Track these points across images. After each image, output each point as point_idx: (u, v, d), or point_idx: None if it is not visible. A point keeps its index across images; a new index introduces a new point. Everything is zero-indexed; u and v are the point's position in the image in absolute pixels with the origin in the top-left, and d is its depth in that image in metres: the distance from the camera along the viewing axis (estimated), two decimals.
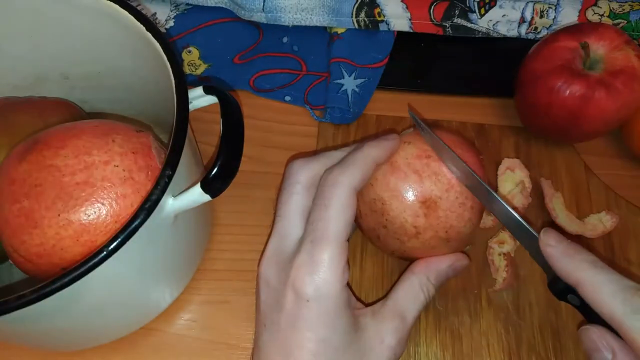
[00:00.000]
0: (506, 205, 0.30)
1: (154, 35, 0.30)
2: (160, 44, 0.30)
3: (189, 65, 0.47)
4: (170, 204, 0.27)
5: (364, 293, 0.37)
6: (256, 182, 0.42)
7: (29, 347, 0.34)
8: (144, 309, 0.34)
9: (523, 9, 0.46)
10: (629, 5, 0.46)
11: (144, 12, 0.33)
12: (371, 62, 0.46)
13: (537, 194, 0.41)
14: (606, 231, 0.39)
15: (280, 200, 0.31)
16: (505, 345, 0.36)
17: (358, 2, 0.46)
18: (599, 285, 0.26)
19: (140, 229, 0.25)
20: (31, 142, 0.29)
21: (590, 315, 0.27)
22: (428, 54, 0.48)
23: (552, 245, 0.28)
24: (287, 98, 0.45)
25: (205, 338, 0.36)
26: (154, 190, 0.26)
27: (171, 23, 0.48)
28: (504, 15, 0.46)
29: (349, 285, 0.30)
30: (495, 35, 0.47)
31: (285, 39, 0.48)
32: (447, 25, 0.46)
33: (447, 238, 0.32)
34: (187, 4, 0.49)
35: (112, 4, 0.30)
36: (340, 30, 0.47)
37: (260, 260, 0.31)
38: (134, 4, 0.39)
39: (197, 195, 0.27)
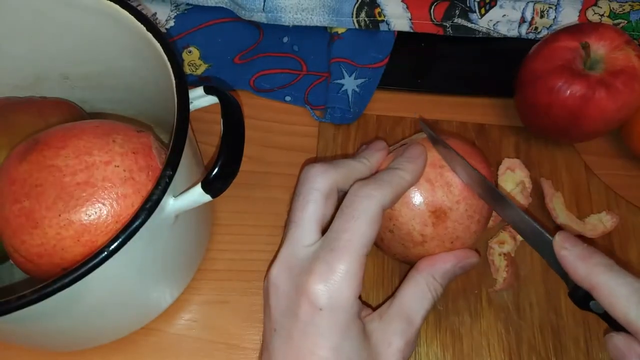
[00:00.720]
0: (521, 212, 0.29)
1: (154, 36, 0.30)
2: (161, 44, 0.30)
3: (189, 66, 0.47)
4: (171, 204, 0.27)
5: (364, 293, 0.37)
6: (256, 182, 0.42)
7: (29, 347, 0.34)
8: (144, 309, 0.34)
9: (523, 9, 0.46)
10: (629, 5, 0.46)
11: (144, 12, 0.33)
12: (371, 62, 0.46)
13: (538, 194, 0.41)
14: (606, 231, 0.39)
15: (295, 206, 0.31)
16: (506, 345, 0.36)
17: (358, 2, 0.46)
18: (614, 289, 0.25)
19: (141, 229, 0.25)
20: (32, 142, 0.29)
21: (615, 323, 0.26)
22: (428, 54, 0.48)
23: (566, 249, 0.27)
24: (288, 98, 0.45)
25: (205, 338, 0.36)
26: (155, 191, 0.26)
27: (171, 23, 0.48)
28: (504, 15, 0.46)
29: None
30: (495, 35, 0.47)
31: (285, 39, 0.48)
32: (448, 25, 0.46)
33: (451, 248, 0.32)
34: (188, 4, 0.49)
35: (112, 4, 0.30)
36: (340, 30, 0.47)
37: (271, 265, 0.30)
38: (134, 4, 0.39)
39: (197, 195, 0.27)
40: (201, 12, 0.49)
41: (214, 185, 0.27)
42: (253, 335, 0.36)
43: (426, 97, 0.46)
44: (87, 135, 0.29)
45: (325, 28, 0.48)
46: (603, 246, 0.39)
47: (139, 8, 0.31)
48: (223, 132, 0.28)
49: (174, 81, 0.29)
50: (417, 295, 0.31)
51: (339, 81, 0.45)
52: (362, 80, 0.45)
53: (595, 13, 0.46)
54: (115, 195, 0.28)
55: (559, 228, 0.39)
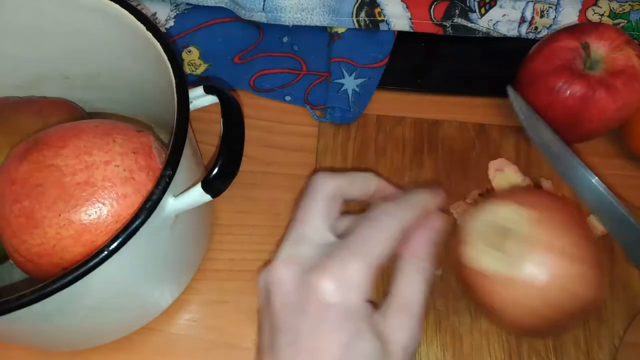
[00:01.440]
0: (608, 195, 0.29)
1: (154, 35, 0.30)
2: (161, 44, 0.30)
3: (189, 65, 0.47)
4: (171, 204, 0.27)
5: None
6: (256, 182, 0.42)
7: (29, 347, 0.34)
8: (144, 308, 0.34)
9: (523, 8, 0.46)
10: (629, 5, 0.46)
11: (144, 11, 0.33)
12: (371, 61, 0.46)
13: None
14: (606, 231, 0.39)
15: (300, 206, 0.30)
16: (506, 345, 0.36)
17: (358, 2, 0.46)
18: None
19: (141, 229, 0.25)
20: (32, 142, 0.29)
21: None
22: (428, 54, 0.48)
23: None
24: (288, 98, 0.45)
25: (205, 338, 0.36)
26: (155, 190, 0.26)
27: (171, 23, 0.48)
28: (504, 15, 0.46)
29: None
30: (495, 35, 0.47)
31: (285, 39, 0.48)
32: (448, 25, 0.46)
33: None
34: (188, 4, 0.49)
35: (112, 3, 0.30)
36: (340, 30, 0.47)
37: (270, 263, 0.30)
38: (134, 3, 0.39)
39: (197, 195, 0.27)
40: (201, 12, 0.49)
41: (214, 185, 0.27)
42: (253, 335, 0.36)
43: (426, 97, 0.46)
44: (87, 135, 0.29)
45: (325, 28, 0.48)
46: (603, 246, 0.39)
47: (139, 8, 0.31)
48: (223, 132, 0.28)
49: (174, 81, 0.29)
50: (408, 281, 0.30)
51: (338, 81, 0.45)
52: (362, 80, 0.45)
53: (595, 13, 0.46)
54: (115, 195, 0.28)
55: None
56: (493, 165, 0.41)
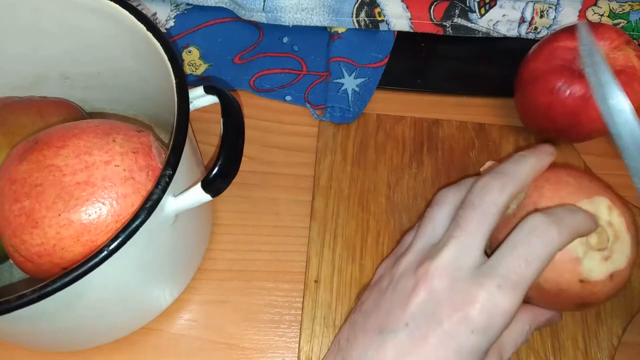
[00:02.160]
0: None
1: (154, 35, 0.30)
2: (161, 44, 0.30)
3: (189, 65, 0.47)
4: (171, 203, 0.27)
5: None
6: (256, 182, 0.42)
7: (29, 347, 0.34)
8: (144, 308, 0.34)
9: (523, 8, 0.46)
10: (629, 5, 0.46)
11: (144, 12, 0.33)
12: (371, 61, 0.46)
13: None
14: None
15: (470, 215, 0.30)
16: None
17: (358, 2, 0.46)
18: None
19: (141, 229, 0.25)
20: (31, 141, 0.29)
21: None
22: (428, 54, 0.48)
23: None
24: (288, 98, 0.45)
25: (205, 338, 0.36)
26: (155, 190, 0.26)
27: (171, 23, 0.48)
28: (504, 15, 0.46)
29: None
30: (495, 35, 0.47)
31: (285, 39, 0.48)
32: (447, 25, 0.46)
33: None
34: (188, 4, 0.49)
35: (112, 3, 0.30)
36: (340, 30, 0.47)
37: (384, 259, 0.31)
38: (134, 3, 0.39)
39: (197, 195, 0.27)
40: (201, 12, 0.49)
41: (214, 185, 0.27)
42: (253, 335, 0.36)
43: (426, 97, 0.46)
44: (87, 135, 0.29)
45: (325, 28, 0.48)
46: None
47: (139, 8, 0.31)
48: (223, 132, 0.28)
49: (174, 81, 0.29)
50: (513, 335, 0.31)
51: (338, 80, 0.45)
52: (362, 79, 0.45)
53: (595, 13, 0.46)
54: (115, 195, 0.28)
55: None
56: (487, 166, 0.41)
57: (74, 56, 0.36)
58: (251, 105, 0.45)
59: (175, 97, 0.28)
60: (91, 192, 0.28)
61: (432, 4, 0.46)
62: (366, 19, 0.46)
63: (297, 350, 0.36)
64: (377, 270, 0.35)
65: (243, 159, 0.29)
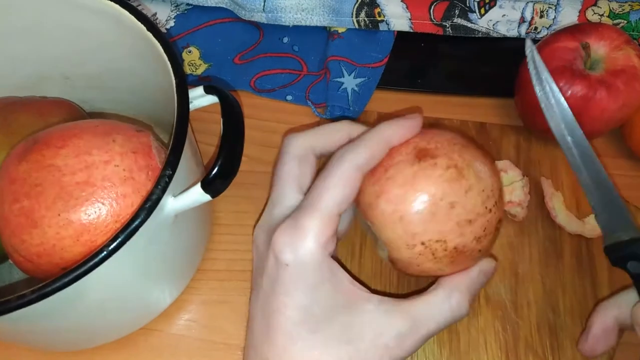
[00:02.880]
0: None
1: (154, 35, 0.30)
2: (161, 44, 0.30)
3: (190, 65, 0.47)
4: (171, 203, 0.27)
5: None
6: (256, 182, 0.41)
7: (29, 347, 0.34)
8: (144, 309, 0.34)
9: (523, 9, 0.46)
10: (629, 5, 0.46)
11: (144, 12, 0.33)
12: (371, 61, 0.46)
13: (537, 193, 0.41)
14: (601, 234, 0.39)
15: (274, 172, 0.32)
16: (503, 343, 0.36)
17: (358, 2, 0.46)
18: None
19: (141, 229, 0.25)
20: (31, 141, 0.29)
21: None
22: (428, 54, 0.48)
23: None
24: (289, 97, 0.45)
25: (205, 338, 0.36)
26: (155, 190, 0.26)
27: (171, 23, 0.48)
28: (504, 15, 0.46)
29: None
30: (495, 35, 0.47)
31: (285, 39, 0.48)
32: (447, 25, 0.46)
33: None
34: (188, 4, 0.49)
35: (112, 4, 0.30)
36: (340, 30, 0.47)
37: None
38: (134, 4, 0.39)
39: (197, 195, 0.27)
40: (201, 12, 0.49)
41: (213, 185, 0.27)
42: None
43: (426, 97, 0.46)
44: (87, 135, 0.29)
45: (325, 28, 0.48)
46: (599, 249, 0.39)
47: (139, 8, 0.31)
48: (223, 132, 0.28)
49: (174, 81, 0.29)
50: (434, 304, 0.28)
51: (338, 79, 0.45)
52: (362, 79, 0.45)
53: (594, 13, 0.46)
54: (114, 195, 0.28)
55: (558, 227, 0.39)
56: (498, 165, 0.41)
57: (74, 57, 0.36)
58: (251, 105, 0.45)
59: (175, 97, 0.28)
60: (91, 192, 0.28)
61: (432, 4, 0.46)
62: (366, 19, 0.46)
63: None
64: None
65: (243, 159, 0.29)
